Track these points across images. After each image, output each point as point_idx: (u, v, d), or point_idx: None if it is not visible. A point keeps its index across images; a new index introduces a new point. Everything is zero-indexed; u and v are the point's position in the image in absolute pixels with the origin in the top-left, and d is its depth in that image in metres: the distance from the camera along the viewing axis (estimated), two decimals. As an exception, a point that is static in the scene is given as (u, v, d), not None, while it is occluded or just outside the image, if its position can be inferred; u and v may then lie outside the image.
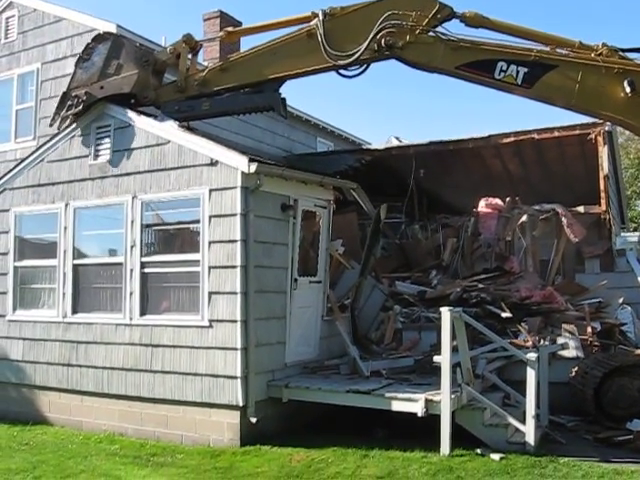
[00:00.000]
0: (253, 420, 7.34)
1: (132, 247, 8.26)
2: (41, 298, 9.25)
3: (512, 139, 11.37)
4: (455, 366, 6.94)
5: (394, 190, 12.39)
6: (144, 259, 8.20)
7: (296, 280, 8.29)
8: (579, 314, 9.38)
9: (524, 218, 11.22)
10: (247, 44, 10.26)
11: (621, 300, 10.05)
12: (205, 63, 10.38)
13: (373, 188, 10.57)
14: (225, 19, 13.40)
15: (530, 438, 6.66)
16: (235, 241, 7.46)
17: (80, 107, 8.55)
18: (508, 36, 6.98)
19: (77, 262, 8.82)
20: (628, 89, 6.39)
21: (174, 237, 8.53)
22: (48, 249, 9.14)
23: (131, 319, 8.19)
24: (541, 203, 11.40)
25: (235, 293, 7.41)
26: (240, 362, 7.33)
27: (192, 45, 8.49)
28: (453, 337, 6.84)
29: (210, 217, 7.66)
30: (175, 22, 51.70)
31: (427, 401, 6.75)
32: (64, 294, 8.84)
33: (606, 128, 10.51)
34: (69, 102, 8.64)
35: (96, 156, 8.69)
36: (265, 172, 7.59)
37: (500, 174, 13.05)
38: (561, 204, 11.12)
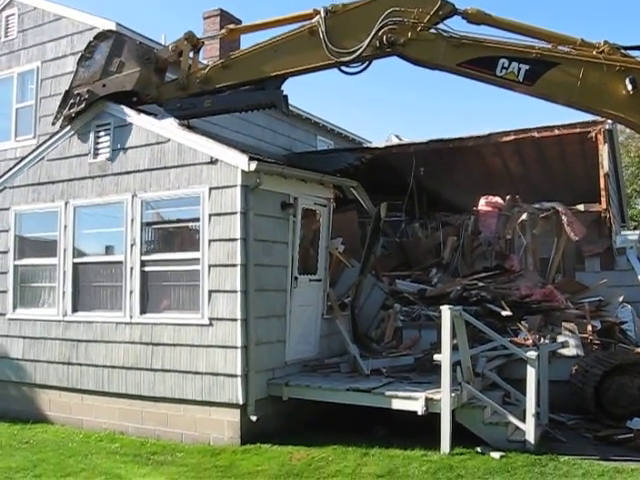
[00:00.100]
0: (253, 418, 7.34)
1: (132, 245, 8.26)
2: (41, 297, 9.25)
3: (512, 137, 11.35)
4: (455, 364, 6.95)
5: (394, 188, 12.37)
6: (144, 257, 8.20)
7: (296, 278, 8.29)
8: (579, 312, 9.37)
9: (524, 216, 11.21)
10: (247, 42, 10.29)
11: (621, 298, 10.04)
12: (205, 61, 10.35)
13: (373, 186, 10.56)
14: (225, 17, 13.38)
15: (530, 436, 6.66)
16: (235, 239, 7.46)
17: (82, 105, 8.56)
18: (510, 33, 6.97)
19: (77, 260, 8.81)
20: (630, 87, 6.38)
21: (174, 235, 8.53)
22: (48, 248, 9.13)
23: (131, 317, 8.19)
24: (541, 201, 11.40)
25: (235, 291, 7.41)
26: (240, 360, 7.33)
27: (194, 43, 8.50)
28: (453, 335, 6.84)
29: (210, 215, 7.66)
30: (174, 20, 51.71)
31: (427, 399, 6.75)
32: (64, 292, 8.84)
33: (606, 126, 10.50)
34: (71, 100, 8.65)
35: (96, 154, 8.69)
36: (265, 170, 7.59)
37: (500, 172, 13.05)
38: (561, 202, 11.12)
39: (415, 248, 11.98)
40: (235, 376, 7.36)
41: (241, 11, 35.51)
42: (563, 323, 8.93)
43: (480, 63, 6.91)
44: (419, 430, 6.87)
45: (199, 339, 7.64)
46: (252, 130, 12.55)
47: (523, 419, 6.76)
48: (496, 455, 6.47)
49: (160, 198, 8.16)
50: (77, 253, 8.84)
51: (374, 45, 7.22)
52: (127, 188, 8.35)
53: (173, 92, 8.43)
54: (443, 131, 41.52)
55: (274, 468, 6.47)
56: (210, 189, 7.66)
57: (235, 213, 7.48)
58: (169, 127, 8.08)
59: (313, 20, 7.55)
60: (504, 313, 9.02)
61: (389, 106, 56.02)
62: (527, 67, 6.74)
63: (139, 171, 8.26)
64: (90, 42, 8.76)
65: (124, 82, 8.39)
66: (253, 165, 7.34)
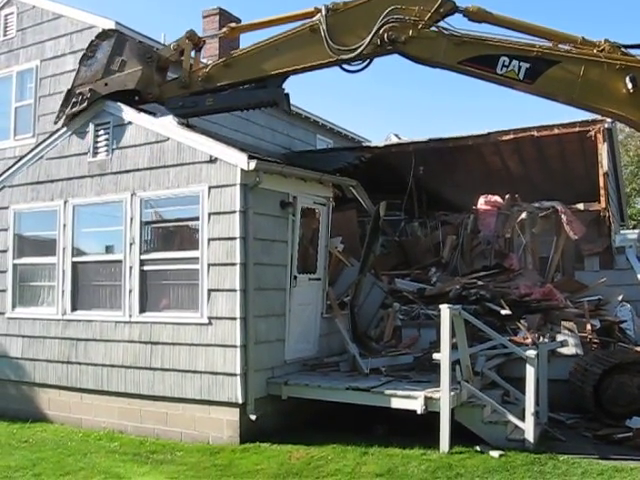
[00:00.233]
0: (252, 417, 7.33)
1: (131, 244, 8.25)
2: (40, 295, 9.25)
3: (512, 136, 11.35)
4: (454, 363, 6.95)
5: (394, 187, 12.37)
6: (143, 256, 8.19)
7: (295, 277, 8.28)
8: (578, 311, 9.37)
9: (523, 215, 11.21)
10: (246, 42, 10.28)
11: (620, 297, 10.04)
12: (204, 60, 10.35)
13: (372, 185, 10.55)
14: (224, 16, 13.37)
15: (529, 435, 6.66)
16: (234, 238, 7.45)
17: (84, 104, 8.56)
18: (511, 31, 6.97)
19: (76, 260, 8.81)
20: (630, 85, 6.39)
21: (173, 234, 8.52)
22: (47, 246, 9.12)
23: (130, 316, 8.19)
24: (541, 200, 11.39)
25: (234, 290, 7.40)
26: (239, 359, 7.33)
27: (195, 41, 8.51)
28: (452, 334, 6.84)
29: (209, 214, 7.65)
30: (174, 19, 51.63)
31: (426, 398, 6.75)
32: (63, 291, 8.83)
33: (606, 125, 10.50)
34: (73, 99, 8.64)
35: (95, 153, 8.68)
36: (264, 169, 7.58)
37: (500, 171, 13.04)
38: (561, 201, 11.11)
39: (414, 247, 11.98)
40: (234, 375, 7.35)
41: (240, 10, 35.48)
42: (562, 322, 8.93)
43: (481, 61, 6.92)
44: (418, 429, 6.87)
45: (198, 338, 7.63)
46: (251, 129, 12.55)
47: (522, 418, 6.76)
48: (495, 454, 6.48)
49: (159, 197, 8.15)
50: (76, 252, 8.83)
51: (375, 43, 7.23)
52: (126, 187, 8.34)
53: (175, 91, 8.43)
54: (442, 130, 41.54)
55: (273, 467, 6.47)
56: (209, 188, 7.65)
57: (234, 212, 7.47)
58: (168, 126, 8.07)
59: (314, 18, 7.57)
60: (503, 312, 9.02)
61: (389, 105, 56.09)
62: (528, 65, 6.74)
63: (138, 170, 8.25)
64: (92, 41, 8.76)
65: (126, 81, 8.39)
66: (252, 164, 7.33)
